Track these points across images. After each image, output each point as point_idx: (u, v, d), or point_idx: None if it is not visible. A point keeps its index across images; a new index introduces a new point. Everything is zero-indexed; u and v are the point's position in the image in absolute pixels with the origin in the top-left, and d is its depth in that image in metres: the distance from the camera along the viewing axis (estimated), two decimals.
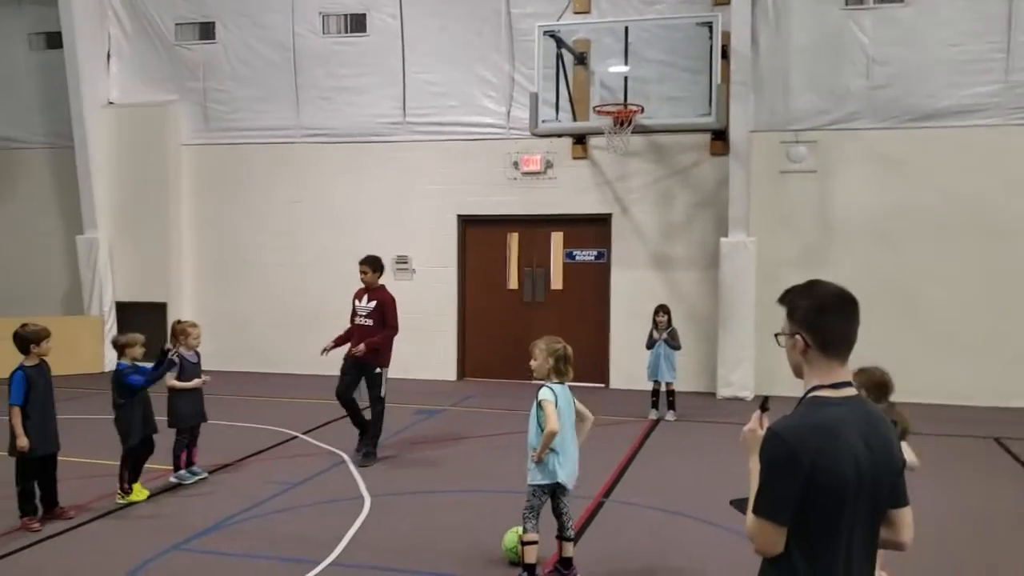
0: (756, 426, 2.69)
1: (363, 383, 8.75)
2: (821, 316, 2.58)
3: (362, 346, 8.53)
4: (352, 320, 8.90)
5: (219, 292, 14.82)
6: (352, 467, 8.47)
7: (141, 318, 14.20)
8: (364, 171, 14.13)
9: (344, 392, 8.75)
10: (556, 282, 13.71)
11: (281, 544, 6.34)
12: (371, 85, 14.02)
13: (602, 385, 13.22)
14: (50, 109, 15.26)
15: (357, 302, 8.89)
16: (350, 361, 8.74)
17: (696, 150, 12.82)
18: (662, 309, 10.78)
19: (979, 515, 7.11)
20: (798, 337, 2.61)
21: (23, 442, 6.53)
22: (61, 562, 6.03)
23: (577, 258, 13.62)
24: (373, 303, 8.75)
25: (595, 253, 13.51)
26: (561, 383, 5.56)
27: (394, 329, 8.84)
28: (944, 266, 11.93)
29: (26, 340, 6.76)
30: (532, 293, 13.78)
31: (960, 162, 11.89)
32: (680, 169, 12.95)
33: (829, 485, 2.43)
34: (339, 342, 8.93)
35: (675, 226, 13.02)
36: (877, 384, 5.03)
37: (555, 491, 5.57)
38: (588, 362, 12.84)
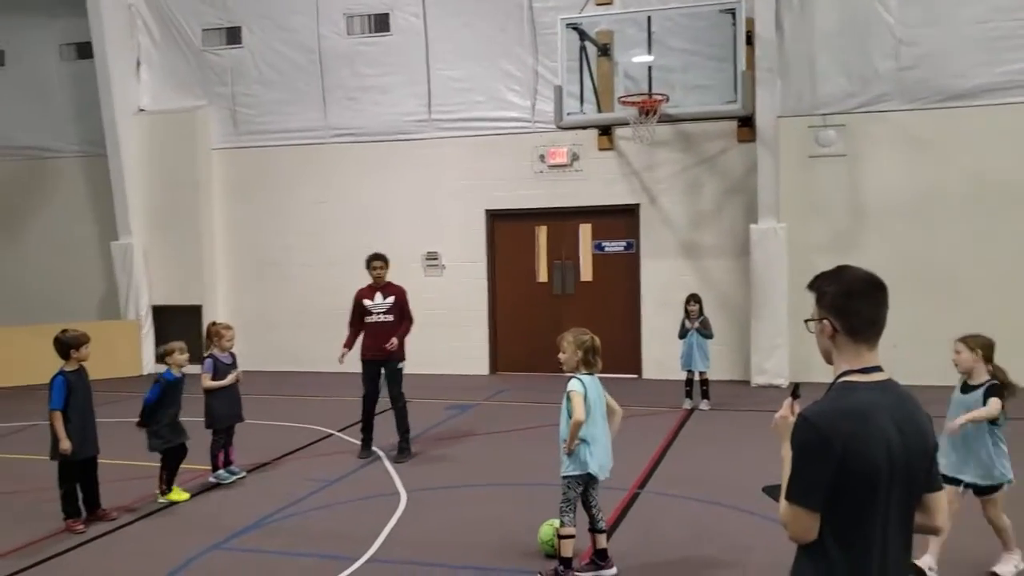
0: (787, 412, 2.69)
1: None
2: (849, 301, 2.58)
3: (395, 340, 8.57)
4: (362, 319, 8.84)
5: (252, 293, 14.99)
6: (387, 463, 8.55)
7: (177, 321, 14.46)
8: (391, 169, 14.21)
9: (375, 396, 8.86)
10: (586, 274, 13.71)
11: (319, 541, 6.42)
12: (396, 84, 14.09)
13: (635, 376, 13.21)
14: (82, 118, 15.51)
15: (368, 301, 8.82)
16: (370, 362, 8.81)
17: (723, 137, 12.75)
18: (693, 298, 10.74)
19: None
20: (826, 322, 2.61)
21: (66, 445, 6.66)
22: (105, 563, 6.16)
23: (606, 249, 13.60)
24: (391, 298, 8.79)
25: (624, 244, 13.48)
26: (590, 374, 5.57)
27: (412, 320, 8.93)
28: (979, 247, 11.76)
29: (66, 345, 6.89)
30: (562, 285, 13.78)
31: (993, 141, 11.71)
32: (707, 157, 12.88)
33: (861, 470, 2.42)
34: (349, 345, 8.91)
35: (704, 214, 12.97)
36: (987, 344, 5.38)
37: (587, 483, 5.59)
38: (620, 353, 12.86)
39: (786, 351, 12.08)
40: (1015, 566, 5.45)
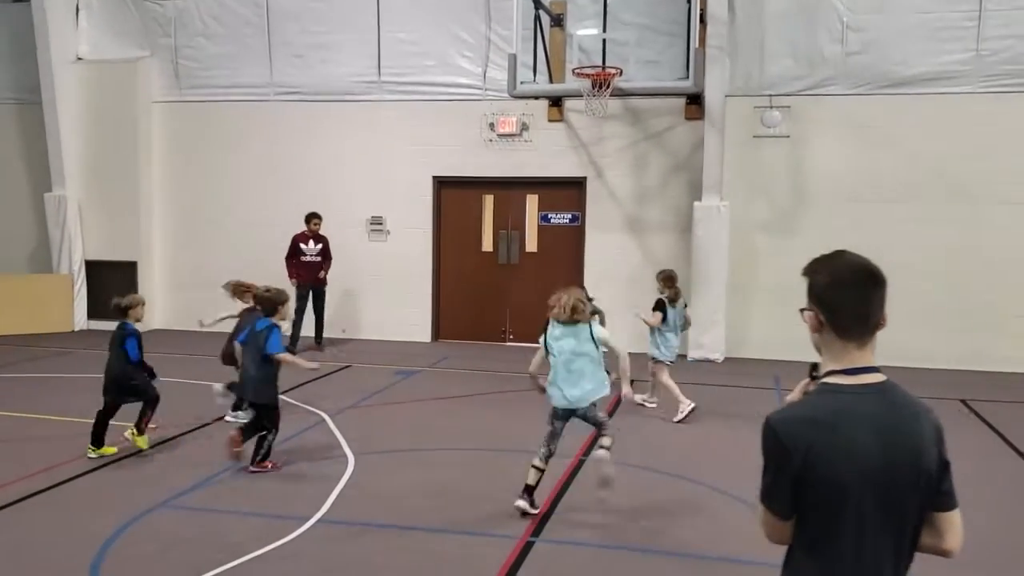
0: (798, 395, 2.56)
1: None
2: (834, 292, 2.39)
3: (323, 273, 12.75)
4: (298, 259, 12.65)
5: (190, 251, 14.70)
6: (333, 426, 8.54)
7: (111, 277, 14.12)
8: (338, 130, 14.03)
9: (304, 312, 12.49)
10: (531, 244, 13.78)
11: (268, 501, 6.41)
12: (346, 43, 13.86)
13: None
14: (17, 64, 14.93)
15: (304, 245, 12.72)
16: (303, 286, 12.50)
17: (671, 114, 12.88)
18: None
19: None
20: (812, 313, 2.42)
21: None
22: (53, 517, 6.03)
23: (552, 221, 13.68)
24: (320, 245, 12.81)
25: (570, 216, 13.58)
26: (564, 323, 6.12)
27: (331, 258, 12.92)
28: (914, 230, 12.12)
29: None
30: (507, 255, 13.83)
31: (931, 128, 12.07)
32: (655, 133, 13.02)
33: (823, 482, 2.26)
34: (293, 275, 12.53)
35: (649, 190, 13.12)
36: (668, 277, 9.10)
37: (574, 413, 6.21)
38: None
39: (723, 327, 12.34)
40: (681, 412, 8.89)
